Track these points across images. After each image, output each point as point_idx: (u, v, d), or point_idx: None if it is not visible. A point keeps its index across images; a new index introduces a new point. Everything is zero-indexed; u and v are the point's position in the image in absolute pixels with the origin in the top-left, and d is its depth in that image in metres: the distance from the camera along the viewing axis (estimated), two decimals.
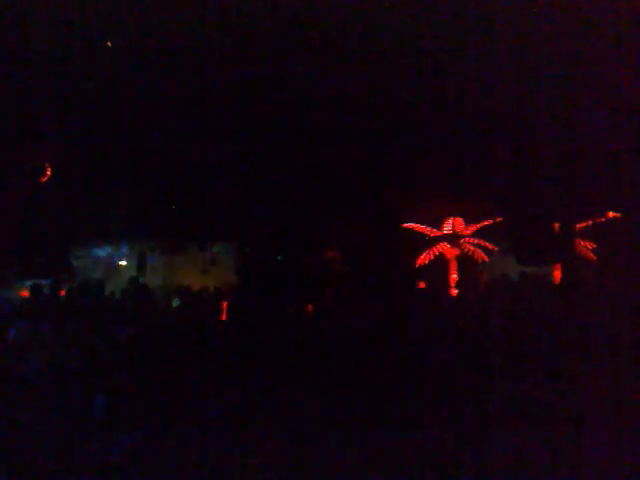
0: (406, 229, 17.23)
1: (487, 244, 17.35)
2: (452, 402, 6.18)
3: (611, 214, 17.22)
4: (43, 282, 12.88)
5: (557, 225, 17.76)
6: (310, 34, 13.56)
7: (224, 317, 12.13)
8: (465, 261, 17.31)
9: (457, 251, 17.33)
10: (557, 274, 17.74)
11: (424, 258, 17.11)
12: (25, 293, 13.73)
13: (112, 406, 6.33)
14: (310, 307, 11.40)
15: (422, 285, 16.61)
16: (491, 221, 17.36)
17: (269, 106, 14.31)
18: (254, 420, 6.45)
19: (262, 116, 14.46)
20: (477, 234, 17.50)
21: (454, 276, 17.18)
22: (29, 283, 11.78)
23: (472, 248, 17.31)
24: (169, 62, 13.70)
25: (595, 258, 17.30)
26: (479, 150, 15.82)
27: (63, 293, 14.22)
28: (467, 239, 17.43)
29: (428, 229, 17.44)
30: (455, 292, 16.62)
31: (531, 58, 13.99)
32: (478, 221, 17.45)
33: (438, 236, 17.43)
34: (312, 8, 12.75)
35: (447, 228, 17.44)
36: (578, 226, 17.71)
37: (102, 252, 17.74)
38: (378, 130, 15.67)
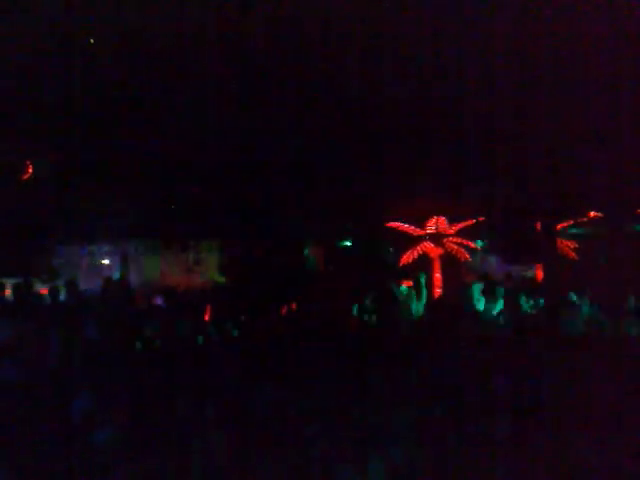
0: (390, 228, 17.27)
1: (470, 243, 17.43)
2: (440, 400, 6.18)
3: (593, 214, 17.39)
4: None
5: (539, 225, 17.90)
6: (302, 32, 13.56)
7: (207, 317, 12.09)
8: (448, 260, 17.39)
9: (440, 250, 17.40)
10: (539, 273, 17.90)
11: (407, 257, 17.16)
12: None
13: (93, 405, 6.27)
14: (294, 305, 11.40)
15: (407, 284, 16.68)
16: (474, 220, 17.45)
17: (251, 103, 14.28)
18: (237, 418, 6.41)
19: (245, 114, 14.43)
20: (460, 233, 17.59)
21: (437, 275, 17.25)
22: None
23: (455, 247, 17.39)
24: (158, 59, 13.64)
25: (577, 258, 17.46)
26: (463, 149, 15.89)
27: (45, 292, 14.11)
28: (450, 238, 17.50)
29: (412, 228, 17.48)
30: (439, 291, 16.73)
31: (517, 57, 14.08)
32: (461, 220, 17.53)
33: (421, 235, 17.47)
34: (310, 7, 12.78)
35: (430, 227, 17.49)
36: (560, 226, 17.86)
37: (84, 250, 17.59)
38: (362, 129, 15.69)
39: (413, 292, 12.09)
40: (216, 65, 13.55)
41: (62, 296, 11.76)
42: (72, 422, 6.01)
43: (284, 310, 12.05)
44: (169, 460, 5.08)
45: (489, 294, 10.43)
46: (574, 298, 9.64)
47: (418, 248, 17.24)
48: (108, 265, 17.31)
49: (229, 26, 12.89)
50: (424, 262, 17.23)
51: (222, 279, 16.23)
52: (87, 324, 8.50)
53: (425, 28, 13.80)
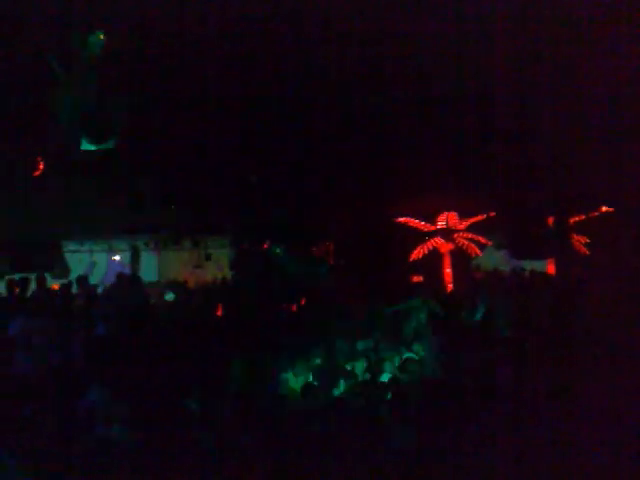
0: (400, 223, 17.22)
1: (481, 238, 17.35)
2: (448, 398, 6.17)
3: (604, 208, 17.27)
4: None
5: (551, 219, 17.80)
6: (307, 30, 13.55)
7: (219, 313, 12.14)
8: (459, 255, 17.32)
9: (451, 245, 17.34)
10: (551, 268, 17.81)
11: (418, 252, 17.11)
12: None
13: (105, 401, 6.32)
14: (303, 301, 11.42)
15: (417, 279, 16.65)
16: (485, 216, 17.36)
17: (261, 98, 14.29)
18: (245, 415, 6.44)
19: (255, 109, 14.44)
20: (471, 228, 17.51)
21: (448, 270, 17.20)
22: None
23: (466, 242, 17.32)
24: (164, 56, 13.68)
25: (588, 253, 17.35)
26: (473, 144, 15.83)
27: (56, 287, 14.22)
28: (461, 233, 17.43)
29: (422, 223, 17.42)
30: (449, 286, 16.68)
31: (526, 52, 14.00)
32: (472, 215, 17.45)
33: (432, 230, 17.42)
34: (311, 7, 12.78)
35: (441, 223, 17.43)
36: (572, 220, 17.75)
37: (96, 247, 17.70)
38: (373, 124, 15.66)
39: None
40: (220, 64, 13.58)
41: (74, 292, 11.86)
42: (80, 417, 6.07)
43: (294, 307, 12.08)
44: (174, 457, 5.12)
45: None
46: None
47: (428, 243, 17.20)
48: (119, 261, 17.43)
49: (230, 24, 12.91)
50: (434, 257, 17.20)
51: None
52: (97, 320, 8.56)
53: (432, 28, 13.77)
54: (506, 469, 4.05)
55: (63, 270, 15.43)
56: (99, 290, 13.50)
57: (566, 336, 7.57)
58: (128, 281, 10.39)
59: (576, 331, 7.74)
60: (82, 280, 12.16)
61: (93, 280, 14.26)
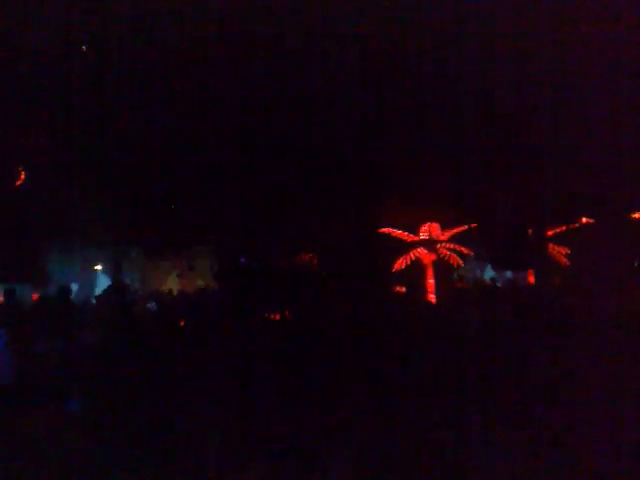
0: (383, 234, 17.33)
1: (462, 249, 17.50)
2: (434, 404, 6.20)
3: (584, 220, 17.46)
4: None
5: (531, 231, 17.97)
6: (302, 33, 13.60)
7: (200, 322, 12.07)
8: (441, 266, 17.45)
9: (433, 256, 17.46)
10: (531, 279, 17.97)
11: (401, 263, 17.21)
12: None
13: (85, 407, 6.29)
14: (287, 312, 11.40)
15: (399, 289, 16.72)
16: (466, 227, 17.52)
17: (247, 108, 14.32)
18: (229, 420, 6.44)
19: (241, 119, 14.47)
20: (453, 239, 17.66)
21: (430, 281, 17.31)
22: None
23: (448, 253, 17.46)
24: (155, 61, 13.67)
25: (568, 263, 17.54)
26: (456, 157, 15.97)
27: (35, 297, 14.09)
28: (443, 244, 17.57)
29: (405, 234, 17.55)
30: (432, 296, 16.78)
31: (512, 64, 14.16)
32: (454, 227, 17.61)
33: (415, 241, 17.55)
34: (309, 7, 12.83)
35: (424, 233, 17.57)
36: (551, 232, 17.93)
37: (78, 256, 17.54)
38: (357, 136, 15.76)
39: None
40: (215, 68, 13.61)
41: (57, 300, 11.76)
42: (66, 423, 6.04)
43: (278, 315, 12.05)
44: (164, 463, 5.10)
45: None
46: None
47: (411, 254, 17.30)
48: (101, 270, 17.32)
49: (230, 27, 12.95)
50: (417, 268, 17.30)
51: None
52: (83, 329, 8.51)
53: (423, 33, 13.91)
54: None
55: (43, 280, 15.29)
56: (82, 299, 13.42)
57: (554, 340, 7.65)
58: (113, 290, 10.34)
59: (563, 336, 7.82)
60: (63, 290, 12.04)
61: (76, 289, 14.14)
